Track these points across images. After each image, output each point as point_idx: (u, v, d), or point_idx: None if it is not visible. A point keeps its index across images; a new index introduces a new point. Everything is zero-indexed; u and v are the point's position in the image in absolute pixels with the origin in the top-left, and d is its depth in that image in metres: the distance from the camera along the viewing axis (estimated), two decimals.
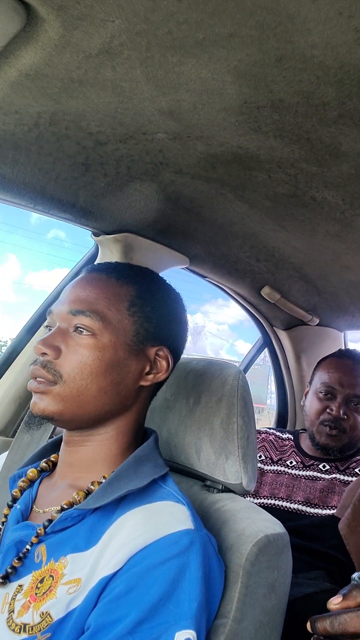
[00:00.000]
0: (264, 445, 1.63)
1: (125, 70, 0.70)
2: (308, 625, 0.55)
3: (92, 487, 0.72)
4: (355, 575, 0.64)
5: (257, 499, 1.51)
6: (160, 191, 1.10)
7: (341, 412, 1.49)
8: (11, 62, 0.67)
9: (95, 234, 1.22)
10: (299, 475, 1.53)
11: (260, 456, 1.60)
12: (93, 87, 0.74)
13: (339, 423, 1.49)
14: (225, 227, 1.26)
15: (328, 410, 1.52)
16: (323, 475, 1.50)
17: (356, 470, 1.50)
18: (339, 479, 1.48)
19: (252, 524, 0.77)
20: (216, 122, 0.82)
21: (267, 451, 1.62)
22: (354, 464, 1.52)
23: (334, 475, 1.49)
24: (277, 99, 0.75)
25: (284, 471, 1.55)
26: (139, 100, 0.77)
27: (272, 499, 1.50)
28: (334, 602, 0.55)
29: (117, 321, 0.73)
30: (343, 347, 1.68)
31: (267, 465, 1.58)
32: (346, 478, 1.48)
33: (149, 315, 0.76)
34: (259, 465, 1.58)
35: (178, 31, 0.61)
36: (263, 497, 1.51)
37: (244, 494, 0.88)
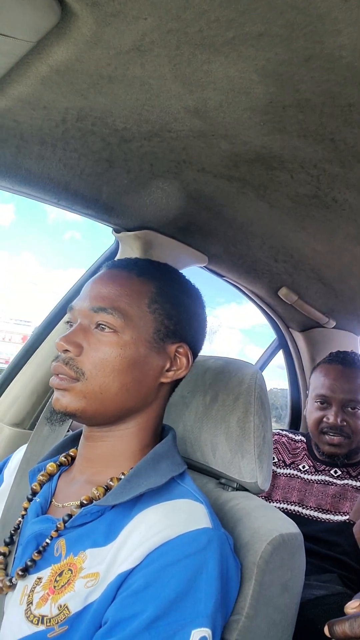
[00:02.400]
0: (276, 448, 1.62)
1: (153, 68, 0.70)
2: (326, 629, 0.54)
3: (111, 483, 0.72)
4: None
5: (270, 502, 1.51)
6: (182, 189, 1.10)
7: (338, 419, 1.47)
8: (43, 58, 0.68)
9: (116, 231, 1.23)
10: (311, 480, 1.52)
11: (272, 458, 1.59)
12: (121, 84, 0.75)
13: (340, 430, 1.47)
14: (245, 226, 1.26)
15: (325, 419, 1.50)
16: (335, 481, 1.49)
17: None
18: (351, 484, 1.47)
19: (266, 523, 0.77)
20: (241, 121, 0.83)
21: (280, 454, 1.61)
22: None
23: (346, 481, 1.48)
24: (303, 98, 0.75)
25: (296, 475, 1.54)
26: (166, 98, 0.78)
27: (284, 503, 1.49)
28: (352, 606, 0.55)
29: (139, 318, 0.73)
30: (342, 350, 1.65)
31: (280, 468, 1.57)
32: (358, 484, 1.47)
33: (169, 312, 0.76)
34: (272, 467, 1.57)
35: (209, 29, 0.61)
36: (275, 500, 1.51)
37: (259, 493, 0.88)
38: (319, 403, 1.53)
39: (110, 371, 0.71)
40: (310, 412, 1.57)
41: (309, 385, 1.65)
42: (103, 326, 0.72)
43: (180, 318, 0.77)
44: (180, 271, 0.85)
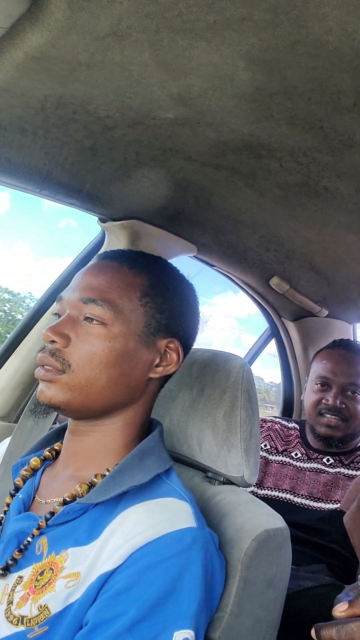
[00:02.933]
0: (269, 435, 1.62)
1: (133, 54, 0.68)
2: (312, 632, 0.54)
3: (95, 479, 0.71)
4: None
5: (261, 489, 1.51)
6: (169, 178, 1.08)
7: (337, 401, 1.48)
8: (17, 44, 0.65)
9: (102, 220, 1.21)
10: (303, 467, 1.52)
11: (265, 445, 1.59)
12: (101, 70, 0.72)
13: (338, 411, 1.48)
14: (235, 215, 1.24)
15: (324, 400, 1.51)
16: (327, 469, 1.49)
17: None
18: (343, 473, 1.48)
19: (252, 518, 0.76)
20: (227, 108, 0.80)
21: (273, 440, 1.61)
22: (359, 457, 1.51)
23: (338, 470, 1.48)
24: (290, 85, 0.73)
25: (288, 462, 1.54)
26: (148, 85, 0.75)
27: (275, 491, 1.50)
28: (340, 610, 0.54)
29: (129, 311, 0.72)
30: (344, 338, 1.66)
31: (272, 455, 1.58)
32: (351, 472, 1.47)
33: (160, 306, 0.74)
34: (264, 454, 1.57)
35: (188, 13, 0.59)
36: (267, 487, 1.51)
37: (246, 486, 0.87)
38: (319, 385, 1.54)
39: (98, 364, 0.69)
40: (309, 394, 1.57)
41: (308, 372, 1.65)
42: (92, 318, 0.70)
43: (172, 313, 0.76)
44: (172, 264, 0.83)
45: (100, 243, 1.27)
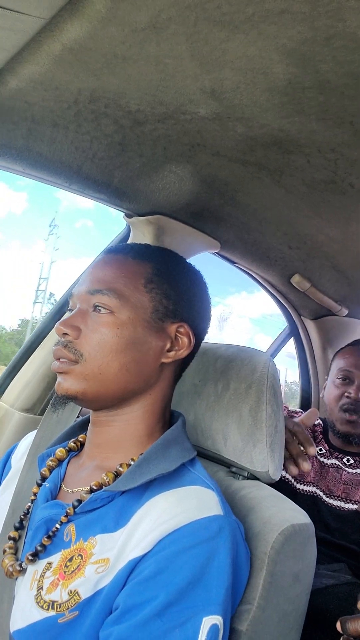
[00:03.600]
0: None
1: (170, 46, 0.68)
2: (338, 625, 0.54)
3: (120, 468, 0.72)
4: None
5: (284, 478, 1.51)
6: (196, 173, 1.08)
7: None
8: (55, 36, 0.66)
9: (128, 216, 1.21)
10: (325, 463, 1.52)
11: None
12: (136, 64, 0.73)
13: (359, 406, 1.47)
14: (259, 212, 1.24)
15: (346, 394, 1.50)
16: (347, 469, 1.48)
17: None
18: None
19: (278, 513, 0.76)
20: (259, 102, 0.80)
21: None
22: None
23: (357, 470, 1.48)
24: (324, 79, 0.73)
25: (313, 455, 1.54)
26: (182, 78, 0.76)
27: (300, 483, 1.49)
28: None
29: (135, 298, 0.74)
30: None
31: None
32: None
33: (167, 291, 0.76)
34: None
35: (228, 5, 0.59)
36: (292, 478, 1.51)
37: (270, 482, 0.87)
38: (340, 380, 1.54)
39: (109, 351, 0.71)
40: (330, 389, 1.57)
41: (327, 371, 1.64)
42: (100, 307, 0.73)
43: (179, 298, 0.77)
44: (190, 260, 0.85)
45: (125, 238, 1.28)
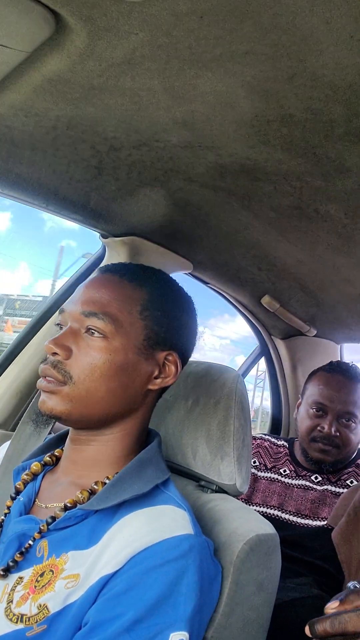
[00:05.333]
0: (258, 452, 1.64)
1: (144, 80, 0.73)
2: (307, 629, 0.56)
3: (95, 487, 0.72)
4: (350, 584, 0.65)
5: (250, 505, 1.53)
6: (169, 197, 1.12)
7: (333, 429, 1.48)
8: (37, 67, 0.70)
9: (104, 236, 1.25)
10: (291, 484, 1.54)
11: (254, 462, 1.61)
12: (112, 95, 0.77)
13: (332, 440, 1.49)
14: (230, 235, 1.29)
15: (319, 427, 1.51)
16: (315, 486, 1.51)
17: (347, 482, 1.51)
18: (330, 490, 1.50)
19: (244, 524, 0.79)
20: (227, 133, 0.85)
21: (262, 457, 1.63)
22: (346, 475, 1.53)
23: (325, 487, 1.50)
24: (287, 114, 0.78)
25: (277, 479, 1.56)
26: (155, 109, 0.80)
27: (264, 507, 1.51)
28: (332, 607, 0.56)
29: (129, 324, 0.74)
30: (342, 361, 1.69)
31: (261, 471, 1.59)
32: (338, 490, 1.49)
33: (160, 319, 0.76)
34: (253, 471, 1.59)
35: (197, 46, 0.64)
36: (255, 504, 1.53)
37: (237, 495, 0.89)
38: (314, 410, 1.53)
39: (99, 376, 0.71)
40: (304, 418, 1.57)
41: (297, 390, 1.66)
42: (93, 331, 0.72)
43: (170, 326, 0.77)
44: (173, 278, 0.85)
45: (100, 258, 1.31)
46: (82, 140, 0.91)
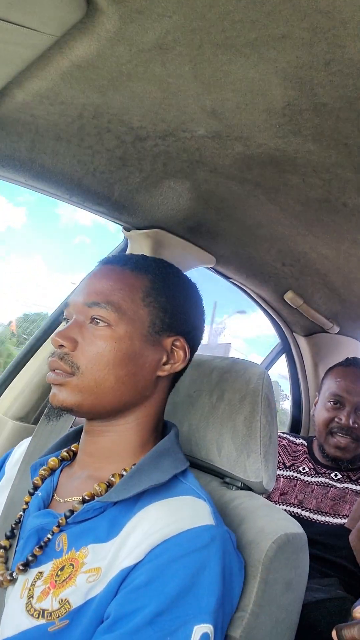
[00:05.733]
0: (277, 450, 1.63)
1: (174, 67, 0.71)
2: (333, 633, 0.54)
3: (113, 479, 0.72)
4: None
5: None
6: (194, 189, 1.11)
7: (350, 420, 1.49)
8: (64, 53, 0.69)
9: (126, 229, 1.24)
10: (311, 482, 1.53)
11: None
12: (140, 82, 0.75)
13: (350, 431, 1.49)
14: (254, 229, 1.27)
15: (337, 419, 1.51)
16: (335, 484, 1.50)
17: None
18: (351, 488, 1.48)
19: (271, 522, 0.77)
20: (257, 123, 0.83)
21: (280, 456, 1.62)
22: None
23: (345, 485, 1.49)
24: (320, 102, 0.76)
25: (296, 477, 1.55)
26: (184, 97, 0.79)
27: (283, 505, 1.50)
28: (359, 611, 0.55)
29: (133, 312, 0.74)
30: (358, 357, 1.67)
31: (280, 470, 1.58)
32: (358, 488, 1.48)
33: (164, 305, 0.76)
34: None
35: (232, 30, 0.62)
36: (274, 502, 1.51)
37: (262, 493, 0.88)
38: (331, 403, 1.54)
39: (105, 365, 0.71)
40: (321, 411, 1.57)
41: (318, 388, 1.65)
42: (97, 320, 0.72)
43: (175, 311, 0.77)
44: (175, 265, 0.85)
45: (123, 251, 1.30)
46: (107, 129, 0.90)
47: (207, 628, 0.59)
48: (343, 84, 0.71)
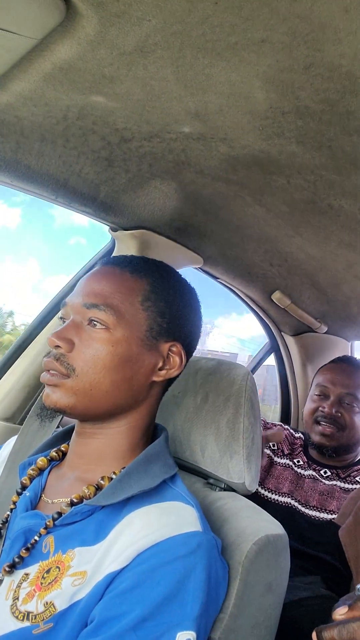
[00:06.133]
0: None
1: (156, 69, 0.71)
2: (314, 635, 0.54)
3: (102, 482, 0.72)
4: (359, 587, 0.64)
5: (262, 488, 1.54)
6: (180, 190, 1.11)
7: (333, 410, 1.52)
8: (46, 55, 0.69)
9: (113, 229, 1.24)
10: (302, 474, 1.56)
11: (273, 445, 1.63)
12: (123, 84, 0.75)
13: (334, 419, 1.52)
14: (242, 229, 1.27)
15: (320, 408, 1.55)
16: (324, 481, 1.52)
17: (357, 478, 1.51)
18: (339, 486, 1.50)
19: (252, 523, 0.78)
20: (241, 125, 0.84)
21: (281, 443, 1.64)
22: (355, 472, 1.53)
23: (334, 482, 1.51)
24: (302, 105, 0.76)
25: (290, 466, 1.58)
26: (167, 100, 0.79)
27: (276, 494, 1.52)
28: (340, 613, 0.55)
29: (131, 315, 0.73)
30: (348, 355, 1.71)
31: (278, 456, 1.61)
32: (346, 486, 1.49)
33: (162, 310, 0.76)
34: (270, 453, 1.61)
35: (212, 34, 0.62)
36: (268, 489, 1.54)
37: (245, 494, 0.88)
38: (317, 394, 1.59)
39: (101, 368, 0.71)
40: (308, 404, 1.63)
41: (306, 387, 1.68)
42: (95, 322, 0.72)
43: (173, 316, 0.77)
44: (175, 270, 0.84)
45: (109, 251, 1.30)
46: (92, 131, 0.89)
47: (189, 635, 0.58)
48: (324, 87, 0.71)
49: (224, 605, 0.69)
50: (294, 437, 1.69)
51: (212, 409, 0.88)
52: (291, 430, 1.71)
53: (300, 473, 1.56)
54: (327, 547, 1.35)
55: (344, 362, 1.63)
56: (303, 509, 1.47)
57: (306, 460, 1.60)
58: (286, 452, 1.63)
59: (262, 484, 1.56)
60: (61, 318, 0.77)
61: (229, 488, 0.89)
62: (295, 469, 1.58)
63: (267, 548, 0.74)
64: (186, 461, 0.93)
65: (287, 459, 1.61)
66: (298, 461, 1.60)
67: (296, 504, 1.49)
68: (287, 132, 0.84)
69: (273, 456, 1.61)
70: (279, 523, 0.80)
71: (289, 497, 1.51)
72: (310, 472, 1.56)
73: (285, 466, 1.59)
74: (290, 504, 1.50)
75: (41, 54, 0.68)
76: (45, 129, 0.89)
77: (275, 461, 1.60)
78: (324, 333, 1.87)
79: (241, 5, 0.57)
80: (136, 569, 0.61)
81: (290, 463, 1.60)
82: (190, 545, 0.62)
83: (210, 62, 0.68)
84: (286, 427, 1.73)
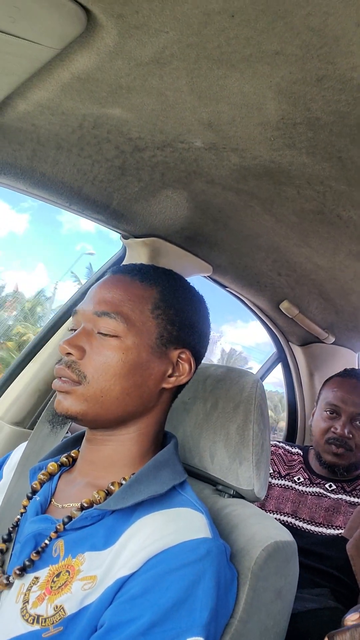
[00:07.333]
0: (272, 459, 1.63)
1: (171, 80, 0.73)
2: None
3: (112, 487, 0.73)
4: None
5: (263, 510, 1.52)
6: (191, 199, 1.12)
7: (345, 430, 1.50)
8: (65, 65, 0.70)
9: (125, 237, 1.25)
10: (305, 492, 1.53)
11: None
12: (138, 94, 0.77)
13: (345, 442, 1.50)
14: (251, 239, 1.28)
15: (332, 429, 1.52)
16: (329, 495, 1.50)
17: None
18: (345, 499, 1.48)
19: (262, 530, 0.78)
20: (252, 135, 0.85)
21: (276, 465, 1.62)
22: None
23: (340, 496, 1.49)
24: (313, 117, 0.77)
25: (291, 486, 1.55)
26: (181, 110, 0.80)
27: (277, 514, 1.50)
28: (352, 619, 0.56)
29: (141, 323, 0.74)
30: (356, 368, 1.69)
31: (275, 479, 1.58)
32: (352, 499, 1.48)
33: (172, 317, 0.77)
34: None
35: (227, 46, 0.64)
36: (269, 510, 1.51)
37: (255, 501, 0.88)
38: (328, 413, 1.55)
39: (112, 375, 0.72)
40: (318, 421, 1.59)
41: (313, 398, 1.66)
42: (106, 330, 0.73)
43: (183, 324, 0.78)
44: (184, 278, 0.85)
45: (121, 259, 1.31)
46: (107, 140, 0.91)
47: None
48: (335, 99, 0.72)
49: (233, 611, 0.69)
50: (291, 453, 1.66)
51: (221, 416, 0.89)
52: (287, 447, 1.68)
53: (302, 491, 1.54)
54: (334, 562, 1.34)
55: (353, 376, 1.60)
56: (308, 526, 1.45)
57: (307, 476, 1.57)
58: (283, 473, 1.60)
59: (262, 507, 1.53)
60: (72, 329, 0.78)
61: (238, 495, 0.89)
62: (297, 487, 1.55)
63: (276, 554, 0.75)
64: (195, 467, 0.93)
65: (285, 479, 1.58)
66: (299, 478, 1.57)
67: (300, 523, 1.46)
68: (297, 143, 0.85)
69: (271, 479, 1.58)
70: (287, 530, 0.81)
71: (291, 517, 1.49)
72: (315, 489, 1.53)
73: (285, 487, 1.56)
74: (292, 523, 1.47)
75: (60, 63, 0.70)
76: (61, 138, 0.91)
77: (274, 483, 1.58)
78: (332, 344, 1.87)
79: (257, 18, 0.59)
80: (146, 574, 0.61)
81: (290, 483, 1.57)
82: (199, 552, 0.63)
83: (225, 74, 0.70)
84: (281, 444, 1.71)
